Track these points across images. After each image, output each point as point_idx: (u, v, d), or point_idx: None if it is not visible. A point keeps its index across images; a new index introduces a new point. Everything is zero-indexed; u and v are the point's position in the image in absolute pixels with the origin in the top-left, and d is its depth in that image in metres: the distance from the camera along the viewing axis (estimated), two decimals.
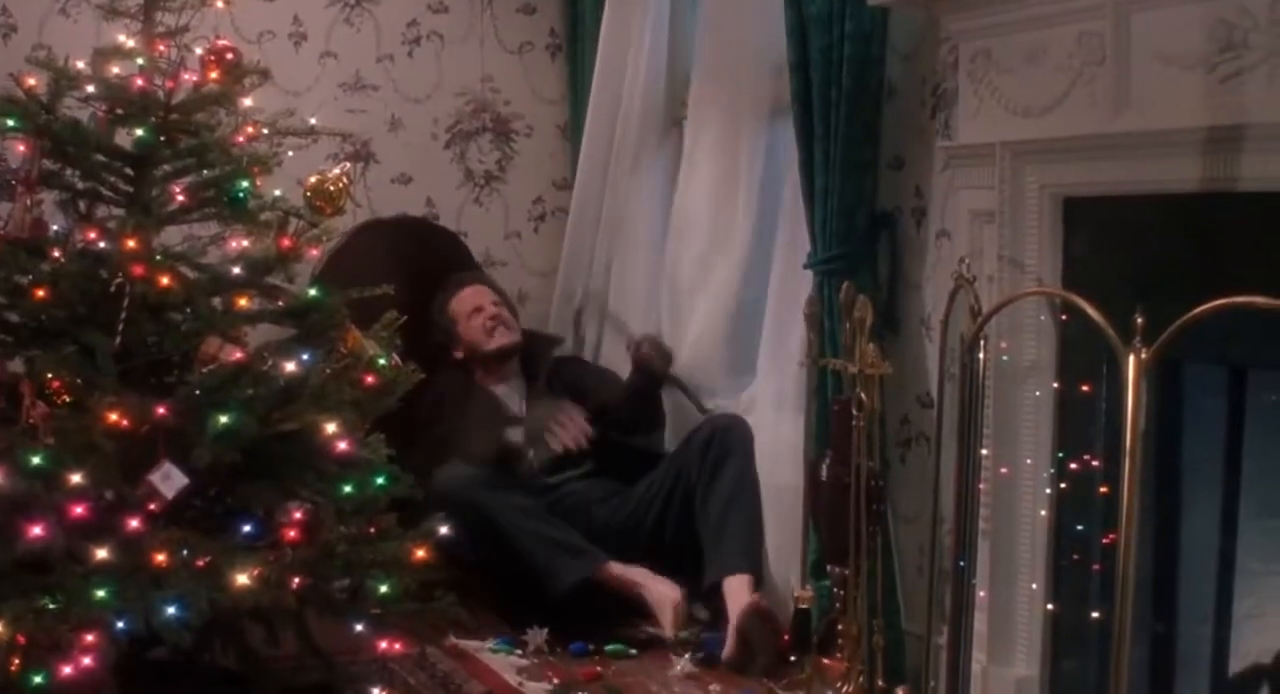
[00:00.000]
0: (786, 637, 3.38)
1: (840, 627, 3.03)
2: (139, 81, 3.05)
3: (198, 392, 2.88)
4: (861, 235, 3.34)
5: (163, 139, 3.03)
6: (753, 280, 3.98)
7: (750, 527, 3.75)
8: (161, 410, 2.81)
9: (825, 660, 3.12)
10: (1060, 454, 2.82)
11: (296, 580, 2.83)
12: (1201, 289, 2.17)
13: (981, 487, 2.79)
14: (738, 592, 3.62)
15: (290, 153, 3.24)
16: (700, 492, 3.82)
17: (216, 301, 3.05)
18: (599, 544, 3.83)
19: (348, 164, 3.49)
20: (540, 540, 3.74)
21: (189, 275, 3.06)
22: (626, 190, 4.41)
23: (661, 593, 3.72)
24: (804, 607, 3.26)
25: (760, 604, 3.54)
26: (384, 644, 3.00)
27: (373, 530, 3.02)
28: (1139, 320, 2.17)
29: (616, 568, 3.77)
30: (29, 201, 2.97)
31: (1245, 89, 2.35)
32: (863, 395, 2.92)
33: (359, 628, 2.97)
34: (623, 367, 4.21)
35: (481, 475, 3.84)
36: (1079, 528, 2.80)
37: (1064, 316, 2.76)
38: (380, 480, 3.05)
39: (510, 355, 4.22)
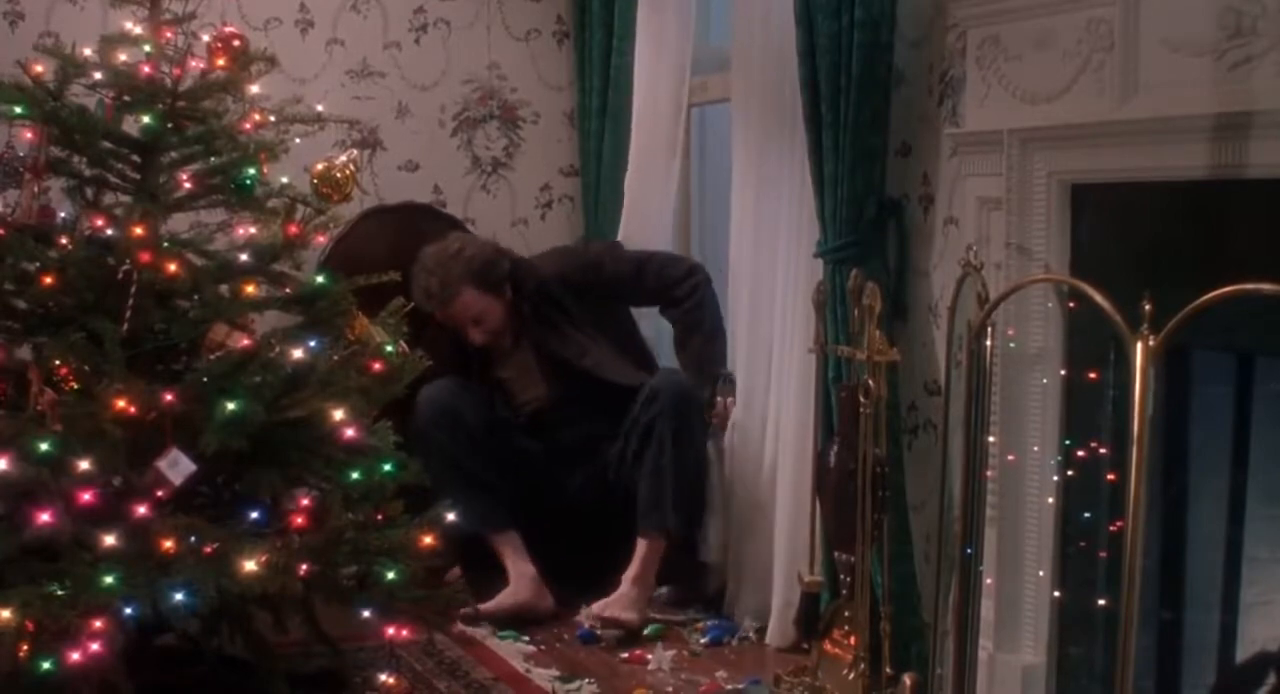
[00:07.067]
0: None
1: (848, 613, 3.04)
2: (146, 69, 3.05)
3: (205, 378, 2.89)
4: (871, 223, 3.33)
5: (170, 126, 3.03)
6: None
7: (667, 481, 3.81)
8: (169, 397, 2.82)
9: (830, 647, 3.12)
10: (1067, 441, 2.82)
11: (304, 567, 2.83)
12: (1209, 276, 2.16)
13: (989, 474, 2.79)
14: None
15: (297, 140, 3.25)
16: (635, 454, 3.89)
17: (224, 288, 3.06)
18: (571, 519, 3.93)
19: (354, 151, 3.49)
20: (465, 483, 3.76)
21: (196, 262, 3.08)
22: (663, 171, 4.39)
23: (521, 569, 3.83)
24: (811, 592, 3.27)
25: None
26: (391, 630, 3.01)
27: (380, 517, 3.03)
28: (1147, 307, 2.17)
29: (503, 542, 3.87)
30: (36, 188, 2.98)
31: (1254, 76, 2.34)
32: (870, 382, 2.92)
33: (366, 614, 2.98)
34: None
35: (458, 394, 3.94)
36: (1086, 515, 2.79)
37: (1071, 303, 2.75)
38: (387, 467, 3.05)
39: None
